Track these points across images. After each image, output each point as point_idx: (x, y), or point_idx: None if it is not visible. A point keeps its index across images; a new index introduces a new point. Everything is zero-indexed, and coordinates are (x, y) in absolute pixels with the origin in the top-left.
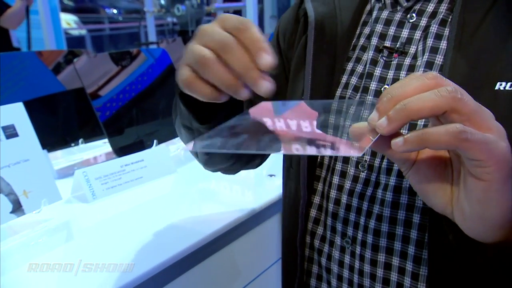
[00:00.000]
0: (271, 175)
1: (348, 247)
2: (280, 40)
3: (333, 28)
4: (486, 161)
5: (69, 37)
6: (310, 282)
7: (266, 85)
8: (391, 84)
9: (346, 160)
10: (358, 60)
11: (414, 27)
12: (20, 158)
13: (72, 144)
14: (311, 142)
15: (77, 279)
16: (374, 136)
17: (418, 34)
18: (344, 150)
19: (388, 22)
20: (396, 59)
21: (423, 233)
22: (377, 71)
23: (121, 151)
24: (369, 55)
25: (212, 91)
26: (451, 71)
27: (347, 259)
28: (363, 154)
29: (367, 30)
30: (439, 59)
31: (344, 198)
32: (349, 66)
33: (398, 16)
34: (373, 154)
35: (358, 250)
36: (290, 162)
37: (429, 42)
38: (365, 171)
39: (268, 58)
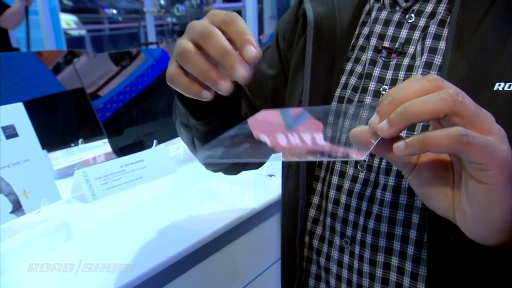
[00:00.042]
0: (270, 175)
1: (347, 247)
2: (279, 41)
3: (332, 28)
4: (487, 164)
5: (69, 37)
6: (308, 282)
7: (243, 71)
8: (389, 84)
9: (345, 160)
10: (357, 60)
11: (413, 27)
12: (20, 158)
13: (72, 144)
14: (311, 150)
15: (77, 279)
16: (375, 139)
17: (417, 35)
18: (345, 154)
19: (387, 23)
20: (395, 60)
21: (422, 233)
22: (376, 71)
23: (121, 151)
24: (368, 55)
25: (193, 85)
26: (450, 72)
27: (346, 259)
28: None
29: (366, 30)
30: (437, 60)
31: (343, 198)
32: (348, 66)
33: (397, 17)
34: (372, 155)
35: (357, 250)
36: (289, 162)
37: (428, 42)
38: (364, 171)
39: (252, 50)
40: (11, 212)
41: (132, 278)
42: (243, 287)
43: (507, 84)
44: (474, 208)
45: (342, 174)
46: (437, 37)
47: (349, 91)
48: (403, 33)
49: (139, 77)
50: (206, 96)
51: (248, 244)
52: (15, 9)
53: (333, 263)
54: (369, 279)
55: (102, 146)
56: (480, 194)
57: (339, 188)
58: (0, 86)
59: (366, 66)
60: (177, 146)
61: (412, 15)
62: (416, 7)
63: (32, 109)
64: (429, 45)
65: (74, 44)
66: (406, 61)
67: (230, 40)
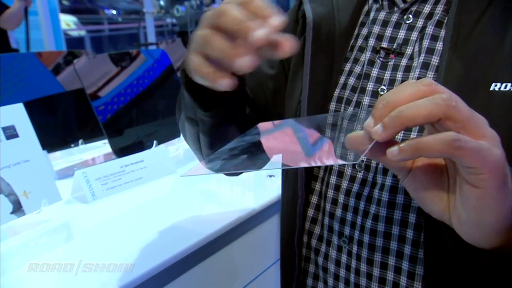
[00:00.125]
0: (270, 176)
1: (345, 246)
2: None
3: (331, 29)
4: (480, 168)
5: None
6: (306, 281)
7: (263, 32)
8: (387, 85)
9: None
10: (356, 60)
11: (410, 28)
12: (20, 158)
13: (72, 145)
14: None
15: (77, 279)
16: (370, 143)
17: (414, 35)
18: (340, 158)
19: (385, 23)
20: (393, 60)
21: (419, 232)
22: (374, 72)
23: (121, 151)
24: (366, 55)
25: (217, 73)
26: (447, 72)
27: (344, 258)
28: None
29: (364, 31)
30: (435, 60)
31: (341, 198)
32: (347, 66)
33: (395, 17)
34: None
35: (354, 249)
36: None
37: (425, 43)
38: (362, 171)
39: (278, 18)
40: (11, 213)
41: (132, 278)
42: (243, 287)
43: (503, 85)
44: (468, 212)
45: (340, 174)
46: (434, 38)
47: (348, 92)
48: (401, 33)
49: (139, 78)
50: (229, 84)
51: (248, 245)
52: (15, 10)
53: (331, 262)
54: (367, 279)
55: (102, 146)
56: (474, 198)
57: (337, 188)
58: (0, 87)
59: (365, 66)
60: (177, 147)
61: (410, 16)
62: (414, 8)
63: (32, 109)
64: (426, 45)
65: (74, 45)
66: (404, 61)
67: None
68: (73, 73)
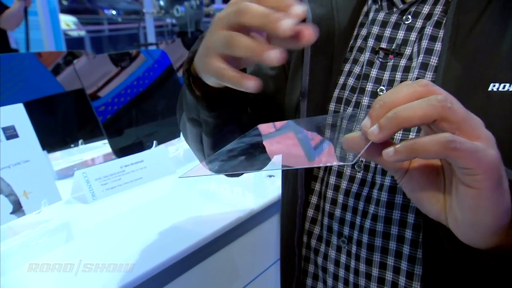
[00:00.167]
0: (270, 176)
1: (344, 246)
2: None
3: (331, 29)
4: (475, 169)
5: (68, 38)
6: (306, 281)
7: (289, 22)
8: (386, 85)
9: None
10: (355, 61)
11: (409, 28)
12: (20, 159)
13: (72, 145)
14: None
15: (77, 279)
16: (367, 144)
17: (413, 36)
18: (337, 159)
19: (384, 24)
20: (392, 61)
21: (418, 232)
22: (373, 72)
23: (120, 152)
24: (365, 56)
25: (241, 75)
26: (445, 73)
27: (343, 258)
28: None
29: (364, 31)
30: (433, 61)
31: (340, 198)
32: (347, 67)
33: (394, 18)
34: None
35: (354, 249)
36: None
37: (424, 43)
38: (361, 172)
39: (299, 7)
40: (11, 213)
41: (132, 278)
42: (243, 287)
43: (502, 85)
44: (464, 213)
45: (339, 174)
46: (433, 38)
47: (347, 92)
48: (400, 34)
49: (139, 78)
50: (256, 84)
51: (248, 245)
52: (14, 10)
53: (330, 262)
54: (366, 279)
55: (102, 147)
56: (469, 199)
57: (336, 188)
58: (0, 87)
59: (364, 67)
60: (177, 147)
61: (409, 16)
62: (413, 9)
63: (32, 110)
64: (425, 46)
65: (74, 45)
66: (403, 62)
67: None
68: (73, 73)
